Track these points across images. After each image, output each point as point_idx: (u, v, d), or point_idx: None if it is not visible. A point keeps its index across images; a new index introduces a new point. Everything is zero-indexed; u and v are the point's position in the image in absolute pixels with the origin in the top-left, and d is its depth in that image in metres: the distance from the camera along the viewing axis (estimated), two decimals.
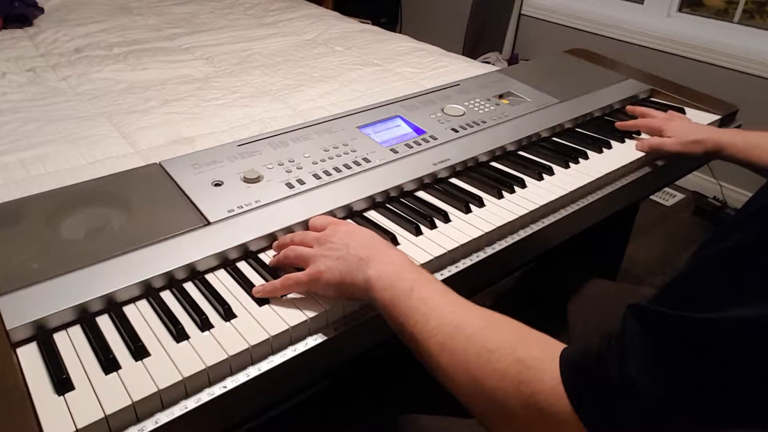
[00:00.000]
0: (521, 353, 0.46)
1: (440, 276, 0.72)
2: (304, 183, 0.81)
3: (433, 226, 0.77)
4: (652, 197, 2.15)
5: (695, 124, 1.01)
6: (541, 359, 0.45)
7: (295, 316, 0.61)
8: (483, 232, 0.77)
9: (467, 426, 0.68)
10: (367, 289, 0.58)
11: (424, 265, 0.70)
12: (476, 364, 0.48)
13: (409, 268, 0.58)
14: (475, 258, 0.76)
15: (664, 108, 1.18)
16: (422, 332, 0.52)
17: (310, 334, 0.62)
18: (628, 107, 1.11)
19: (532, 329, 0.50)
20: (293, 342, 0.61)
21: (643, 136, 1.05)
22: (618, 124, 1.07)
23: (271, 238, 0.73)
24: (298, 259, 0.65)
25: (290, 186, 0.80)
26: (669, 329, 0.39)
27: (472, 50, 2.70)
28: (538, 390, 0.44)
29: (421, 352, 0.53)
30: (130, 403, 0.51)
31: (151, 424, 0.52)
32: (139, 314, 0.61)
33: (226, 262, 0.69)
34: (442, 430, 0.70)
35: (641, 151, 0.99)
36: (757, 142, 0.89)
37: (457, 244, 0.74)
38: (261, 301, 0.63)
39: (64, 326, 0.59)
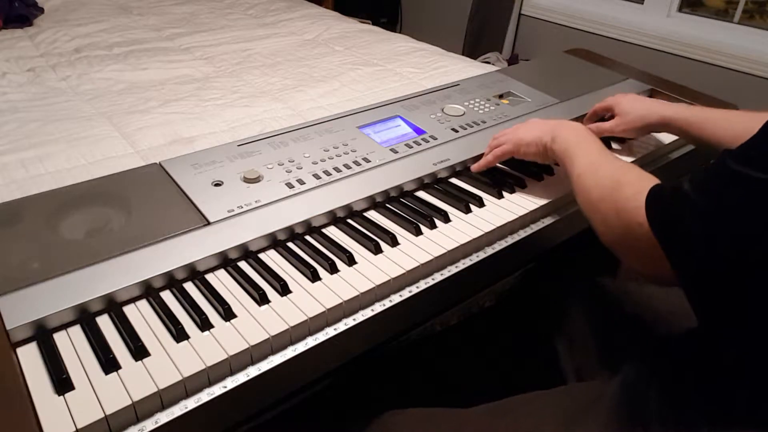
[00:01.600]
0: (637, 187, 0.57)
1: (440, 276, 0.72)
2: (304, 183, 0.81)
3: (433, 226, 0.77)
4: None
5: (642, 100, 0.98)
6: (642, 192, 0.57)
7: (295, 316, 0.61)
8: (483, 232, 0.77)
9: (457, 415, 0.68)
10: (553, 143, 0.79)
11: (424, 265, 0.71)
12: (606, 194, 0.63)
13: (582, 135, 0.77)
14: (475, 258, 0.76)
15: None
16: (578, 173, 0.70)
17: (310, 334, 0.62)
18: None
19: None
20: (293, 342, 0.61)
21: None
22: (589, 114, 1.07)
23: (271, 238, 0.73)
24: (503, 141, 0.86)
25: (290, 186, 0.80)
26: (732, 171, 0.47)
27: (472, 50, 2.70)
28: (634, 209, 0.56)
29: (576, 189, 0.70)
30: (130, 403, 0.51)
31: (151, 424, 0.52)
32: (139, 314, 0.61)
33: (226, 262, 0.69)
34: (435, 423, 0.70)
35: None
36: (707, 116, 0.86)
37: (457, 244, 0.74)
38: (261, 301, 0.63)
39: (64, 326, 0.59)
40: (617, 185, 0.62)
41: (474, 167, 0.89)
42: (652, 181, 0.59)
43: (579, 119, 1.10)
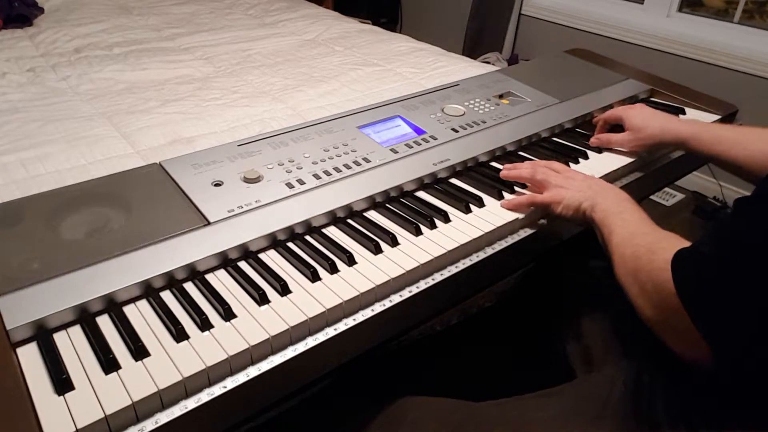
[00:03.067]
0: (669, 255, 0.56)
1: (440, 276, 0.72)
2: (304, 183, 0.81)
3: (433, 226, 0.77)
4: (652, 197, 2.15)
5: (653, 116, 0.95)
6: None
7: (295, 316, 0.61)
8: (483, 232, 0.77)
9: (471, 408, 0.68)
10: (592, 212, 0.74)
11: (424, 265, 0.71)
12: (642, 263, 0.60)
13: (623, 204, 0.73)
14: (475, 258, 0.76)
15: (664, 108, 1.18)
16: (616, 243, 0.67)
17: (310, 334, 0.62)
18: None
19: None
20: (293, 342, 0.61)
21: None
22: (595, 120, 1.07)
23: (271, 238, 0.73)
24: (543, 182, 0.81)
25: (290, 186, 0.80)
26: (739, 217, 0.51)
27: (472, 50, 2.70)
28: (663, 276, 0.55)
29: (614, 259, 0.67)
30: (130, 403, 0.51)
31: (151, 424, 0.52)
32: (139, 314, 0.61)
33: (226, 262, 0.69)
34: (448, 411, 0.70)
35: (593, 144, 1.00)
36: (720, 134, 0.86)
37: (457, 244, 0.74)
38: (261, 301, 0.63)
39: (64, 326, 0.59)
40: (652, 254, 0.59)
41: (505, 205, 0.82)
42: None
43: (579, 119, 1.10)
